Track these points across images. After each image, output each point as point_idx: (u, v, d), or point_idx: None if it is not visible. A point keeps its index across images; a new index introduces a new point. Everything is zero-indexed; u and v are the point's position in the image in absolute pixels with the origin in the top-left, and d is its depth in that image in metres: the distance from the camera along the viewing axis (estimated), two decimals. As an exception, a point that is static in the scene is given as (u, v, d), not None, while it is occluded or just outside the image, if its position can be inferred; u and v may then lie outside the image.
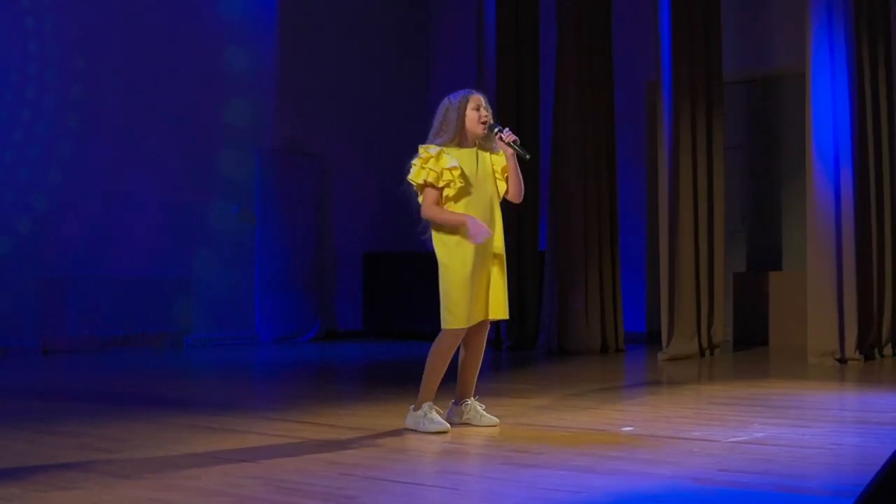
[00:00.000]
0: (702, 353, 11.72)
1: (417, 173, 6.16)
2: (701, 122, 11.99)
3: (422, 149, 6.22)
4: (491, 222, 6.26)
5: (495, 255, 6.32)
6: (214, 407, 7.56)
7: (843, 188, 10.74)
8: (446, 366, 6.26)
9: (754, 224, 14.39)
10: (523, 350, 12.83)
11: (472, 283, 6.13)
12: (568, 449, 5.52)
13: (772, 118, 14.30)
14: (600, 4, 12.83)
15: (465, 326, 6.16)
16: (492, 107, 12.36)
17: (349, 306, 15.62)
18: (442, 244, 6.18)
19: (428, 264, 14.47)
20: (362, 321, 15.60)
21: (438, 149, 6.17)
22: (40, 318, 12.50)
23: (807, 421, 6.62)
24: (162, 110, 13.62)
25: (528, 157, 6.33)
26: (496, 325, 12.83)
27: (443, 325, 6.17)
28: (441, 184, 6.13)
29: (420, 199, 6.24)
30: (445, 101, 6.34)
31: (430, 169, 6.13)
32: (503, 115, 12.86)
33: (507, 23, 13.25)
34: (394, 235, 14.81)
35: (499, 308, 6.32)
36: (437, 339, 6.23)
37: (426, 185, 6.15)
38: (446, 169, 6.12)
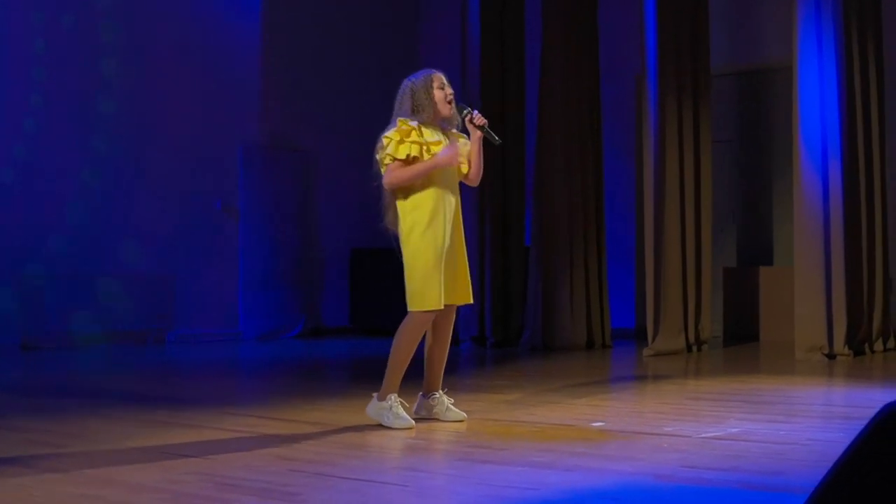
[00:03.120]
0: (689, 349, 11.55)
1: (398, 148, 5.94)
2: (687, 116, 11.82)
3: (400, 121, 6.01)
4: (456, 203, 6.09)
5: (459, 238, 6.14)
6: (178, 403, 7.38)
7: (831, 181, 10.56)
8: (413, 351, 6.08)
9: (744, 219, 14.20)
10: (507, 347, 12.62)
11: (440, 265, 5.94)
12: (531, 444, 5.34)
13: (762, 112, 14.11)
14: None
15: (439, 308, 5.96)
16: (477, 101, 12.39)
17: (335, 303, 15.44)
18: (412, 225, 5.98)
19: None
20: (348, 318, 15.42)
21: (417, 123, 5.99)
22: (20, 314, 12.33)
23: (785, 416, 6.44)
24: (144, 105, 13.45)
25: (498, 141, 6.16)
26: (481, 321, 12.68)
27: (412, 308, 5.97)
28: (426, 157, 5.95)
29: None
30: (407, 82, 6.16)
31: (414, 142, 5.93)
32: (488, 110, 12.69)
33: (491, 16, 13.07)
34: (381, 232, 14.58)
35: (464, 292, 6.15)
36: (404, 323, 6.03)
37: (409, 160, 5.94)
38: (431, 143, 5.96)
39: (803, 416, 6.56)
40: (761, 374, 9.47)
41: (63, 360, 11.18)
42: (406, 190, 6.01)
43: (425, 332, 6.12)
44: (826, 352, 10.43)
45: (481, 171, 6.28)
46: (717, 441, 5.41)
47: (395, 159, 5.95)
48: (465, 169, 6.25)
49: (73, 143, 12.86)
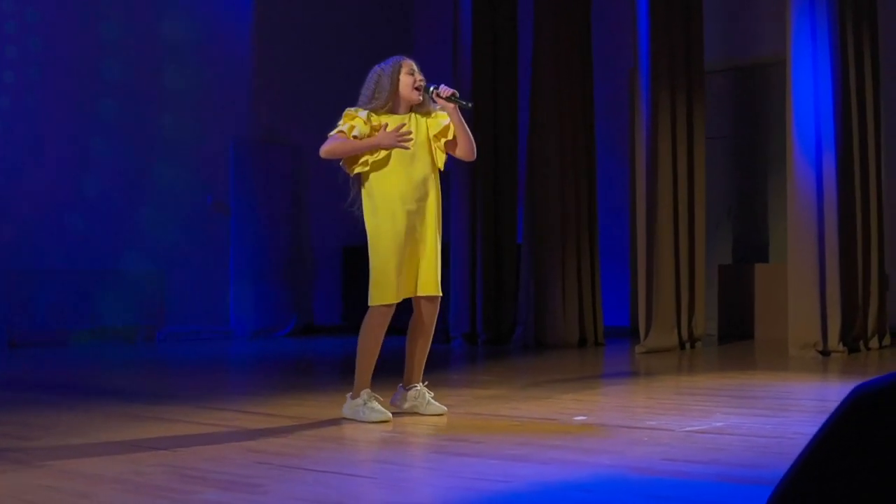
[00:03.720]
0: (682, 346, 11.45)
1: (340, 126, 5.84)
2: (681, 111, 11.72)
3: (349, 110, 5.91)
4: (426, 195, 5.95)
5: (428, 229, 5.98)
6: (158, 398, 7.28)
7: (825, 176, 10.43)
8: (378, 346, 5.95)
9: (740, 215, 14.10)
10: (499, 344, 12.51)
11: (400, 255, 5.83)
12: (509, 438, 5.23)
13: (757, 107, 14.01)
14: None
15: (394, 302, 5.85)
16: (468, 96, 12.28)
17: (327, 301, 15.34)
18: (372, 214, 5.88)
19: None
20: (341, 316, 15.32)
21: (366, 112, 5.88)
22: (8, 310, 12.24)
23: (772, 411, 6.32)
24: (134, 98, 13.37)
25: (469, 105, 6.02)
26: (472, 318, 12.57)
27: (370, 301, 5.87)
28: (361, 134, 5.84)
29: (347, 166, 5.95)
30: (377, 68, 6.05)
31: (356, 125, 5.82)
32: (481, 106, 12.60)
33: (484, 13, 12.96)
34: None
35: (429, 284, 5.99)
36: (364, 319, 5.93)
37: (345, 133, 5.83)
38: (374, 127, 5.83)
39: (791, 411, 6.44)
40: (753, 370, 9.35)
41: (50, 356, 11.09)
42: (366, 178, 5.90)
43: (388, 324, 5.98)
44: (820, 348, 10.30)
45: (472, 142, 6.11)
46: (700, 435, 5.30)
47: (337, 131, 5.84)
48: (440, 152, 6.09)
49: (62, 139, 12.78)
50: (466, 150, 6.09)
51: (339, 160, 5.93)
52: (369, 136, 5.84)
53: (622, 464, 4.47)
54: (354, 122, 5.85)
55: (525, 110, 12.68)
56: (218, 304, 14.19)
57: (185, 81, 13.86)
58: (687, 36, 11.83)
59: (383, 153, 5.86)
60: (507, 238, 12.91)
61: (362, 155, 5.86)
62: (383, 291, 5.82)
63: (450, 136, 6.07)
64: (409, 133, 5.86)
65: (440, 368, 9.56)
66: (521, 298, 12.42)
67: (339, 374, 9.81)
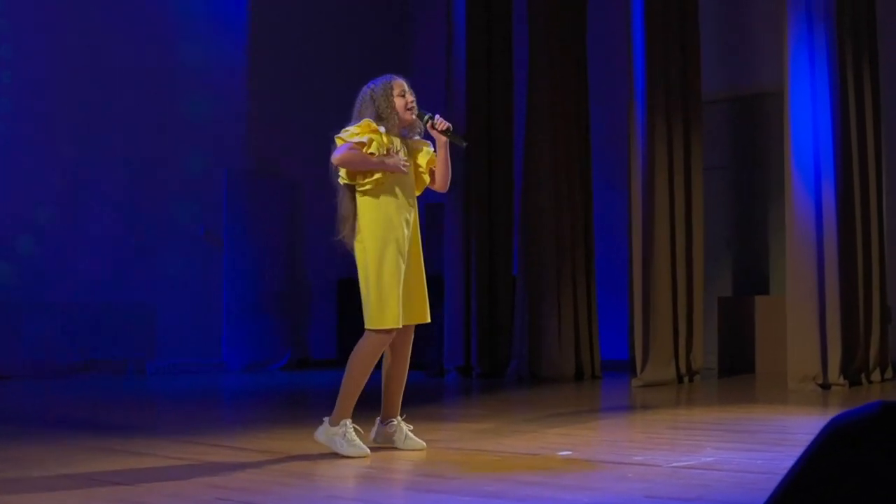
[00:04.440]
0: (680, 380, 11.23)
1: (355, 134, 5.64)
2: (678, 142, 11.53)
3: (366, 120, 5.70)
4: (413, 219, 5.78)
5: (416, 257, 5.80)
6: (135, 431, 7.08)
7: (825, 206, 10.24)
8: (368, 373, 5.75)
9: (740, 247, 13.89)
10: (494, 377, 12.29)
11: (398, 282, 5.63)
12: (488, 474, 5.01)
13: (756, 137, 13.82)
14: (574, 18, 12.38)
15: (397, 326, 5.65)
16: (462, 127, 12.13)
17: (323, 334, 15.13)
18: (371, 239, 5.65)
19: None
20: (336, 349, 15.10)
21: (384, 129, 5.69)
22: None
23: (765, 445, 6.11)
24: (125, 127, 13.24)
25: (464, 144, 5.85)
26: (467, 351, 12.38)
27: (369, 326, 5.67)
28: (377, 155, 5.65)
29: (342, 174, 5.74)
30: (366, 89, 5.86)
31: (375, 140, 5.62)
32: (475, 134, 12.45)
33: (478, 40, 12.81)
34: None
35: (421, 312, 5.81)
36: (360, 343, 5.71)
37: (363, 145, 5.63)
38: (390, 147, 5.66)
39: (786, 446, 6.21)
40: (751, 404, 9.15)
41: (37, 389, 10.91)
42: (363, 203, 5.69)
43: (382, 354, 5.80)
44: (820, 381, 10.08)
45: (449, 177, 5.96)
46: (688, 470, 5.08)
47: (351, 141, 5.63)
48: (426, 179, 5.93)
49: (51, 166, 12.63)
50: (443, 182, 5.95)
51: (337, 169, 5.75)
52: (387, 149, 5.67)
53: (602, 500, 4.27)
54: (374, 138, 5.65)
55: (520, 139, 12.51)
56: (210, 336, 13.99)
57: (179, 112, 13.73)
58: (684, 65, 11.66)
59: (388, 175, 5.68)
60: (501, 269, 12.72)
61: (374, 172, 5.67)
62: (386, 315, 5.62)
63: (434, 166, 5.91)
64: (408, 159, 5.69)
65: (431, 402, 9.37)
66: (515, 331, 12.22)
67: (327, 408, 9.62)
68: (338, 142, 5.69)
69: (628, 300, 13.69)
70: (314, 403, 10.19)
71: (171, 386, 11.53)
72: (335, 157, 5.67)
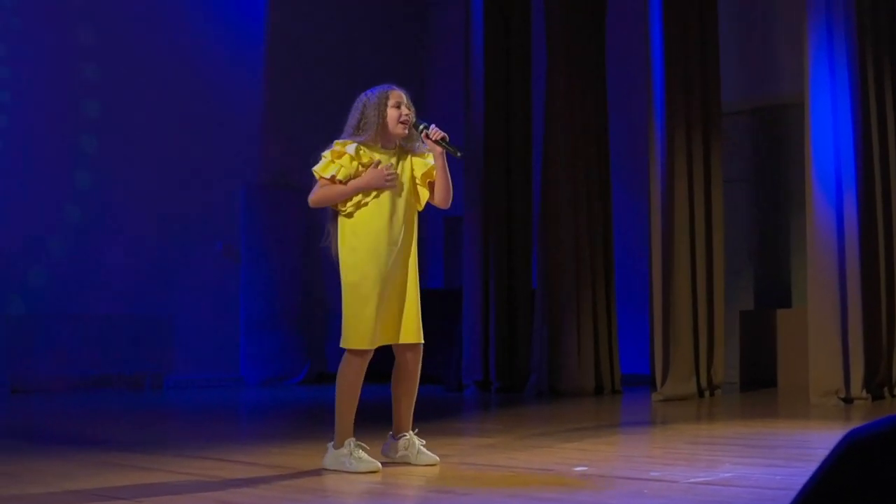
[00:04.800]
0: (700, 394, 11.09)
1: (326, 166, 5.55)
2: (697, 153, 11.41)
3: (337, 143, 5.61)
4: (404, 236, 5.63)
5: (409, 273, 5.66)
6: (142, 446, 6.99)
7: (846, 217, 10.09)
8: (356, 393, 5.64)
9: (762, 260, 13.74)
10: (513, 392, 12.16)
11: (379, 299, 5.50)
12: (500, 489, 4.90)
13: (778, 149, 13.68)
14: (592, 29, 12.27)
15: (369, 348, 5.52)
16: (481, 138, 12.04)
17: (341, 348, 14.98)
18: (351, 253, 5.56)
19: (429, 303, 13.91)
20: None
21: (356, 145, 5.57)
22: (9, 356, 12.01)
23: (785, 461, 5.99)
24: (143, 142, 13.19)
25: (459, 154, 5.71)
26: (485, 365, 12.26)
27: (343, 344, 5.56)
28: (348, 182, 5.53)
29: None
30: (362, 97, 5.74)
31: (343, 166, 5.51)
32: (493, 148, 12.37)
33: (496, 54, 12.73)
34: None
35: (410, 332, 5.66)
36: (340, 364, 5.61)
37: (333, 181, 5.53)
38: (363, 166, 5.53)
39: (805, 461, 6.08)
40: (771, 418, 9.01)
41: (51, 404, 10.84)
42: (345, 216, 5.58)
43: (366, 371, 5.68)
44: (842, 396, 9.93)
45: (450, 192, 5.78)
46: (705, 486, 4.96)
47: (321, 177, 5.55)
48: (425, 192, 5.79)
49: (67, 182, 12.59)
50: (443, 197, 5.75)
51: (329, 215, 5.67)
52: (356, 174, 5.54)
53: (614, 517, 4.14)
54: (341, 162, 5.55)
55: (539, 151, 12.38)
56: (228, 351, 13.92)
57: (196, 127, 13.68)
58: (703, 76, 11.54)
59: (372, 192, 5.56)
60: (520, 283, 12.60)
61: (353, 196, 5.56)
62: (358, 336, 5.53)
63: (433, 178, 5.77)
64: (394, 173, 5.56)
65: (447, 416, 9.26)
66: (535, 345, 12.09)
67: (332, 423, 9.52)
68: (320, 175, 5.60)
69: (649, 314, 13.58)
70: (331, 418, 10.06)
71: (187, 401, 11.45)
72: (310, 199, 5.63)
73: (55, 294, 12.43)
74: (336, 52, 15.21)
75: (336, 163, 5.55)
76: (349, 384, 5.61)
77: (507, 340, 12.43)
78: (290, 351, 14.37)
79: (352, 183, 5.51)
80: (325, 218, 5.72)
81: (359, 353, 5.56)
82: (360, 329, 5.50)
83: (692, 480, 5.13)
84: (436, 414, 9.15)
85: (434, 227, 15.74)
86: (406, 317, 5.65)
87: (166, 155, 13.38)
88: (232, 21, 14.40)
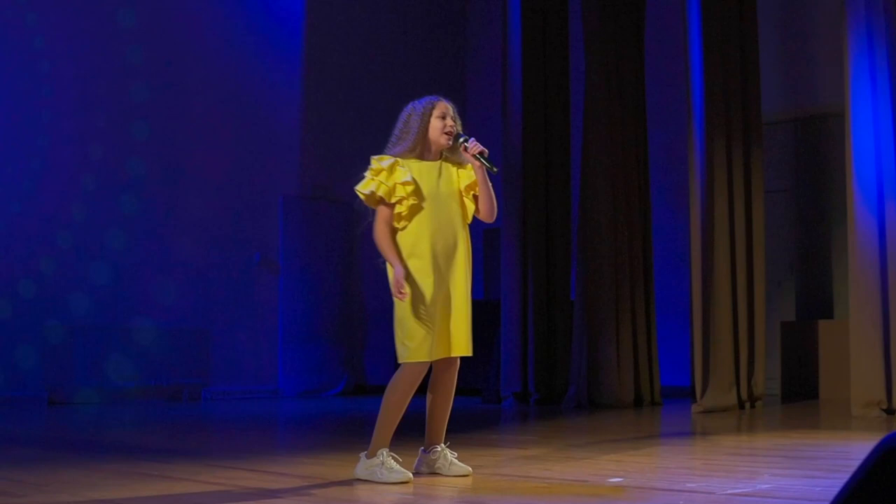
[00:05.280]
0: (741, 406, 10.97)
1: (366, 184, 5.50)
2: (737, 164, 11.30)
3: (374, 160, 5.58)
4: (454, 246, 5.56)
5: (459, 285, 5.58)
6: (174, 456, 6.92)
7: (888, 228, 9.96)
8: (405, 405, 5.57)
9: (803, 271, 13.60)
10: (551, 403, 12.05)
11: (431, 311, 5.43)
12: (531, 500, 4.80)
13: (820, 159, 13.54)
14: (630, 39, 12.17)
15: (427, 360, 5.45)
16: (519, 149, 11.96)
17: (379, 360, 14.95)
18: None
19: (477, 314, 13.86)
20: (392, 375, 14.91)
21: (392, 160, 5.51)
22: (47, 368, 12.01)
23: (825, 472, 5.86)
24: (181, 154, 13.19)
25: (495, 170, 5.63)
26: (524, 377, 12.17)
27: (400, 359, 5.48)
28: (393, 199, 5.46)
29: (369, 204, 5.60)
30: (409, 107, 5.69)
31: (382, 182, 5.46)
32: (532, 161, 12.29)
33: (534, 65, 12.66)
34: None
35: (461, 344, 5.58)
36: (394, 376, 5.53)
37: (376, 199, 5.48)
38: (399, 184, 5.45)
39: (845, 472, 5.93)
40: (812, 430, 8.86)
41: (86, 415, 10.79)
42: (395, 231, 5.54)
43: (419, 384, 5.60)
44: (885, 407, 9.80)
45: (494, 205, 5.71)
46: (743, 497, 4.85)
47: (361, 193, 5.50)
48: (471, 205, 5.72)
49: (109, 194, 12.59)
50: (486, 210, 5.69)
51: (368, 207, 5.60)
52: (392, 189, 5.48)
53: (646, 529, 4.04)
54: (379, 179, 5.50)
55: (577, 163, 12.29)
56: (266, 362, 13.88)
57: (234, 139, 13.66)
58: (743, 86, 11.43)
59: (408, 206, 5.49)
60: (559, 294, 12.50)
61: (401, 206, 5.50)
62: (416, 349, 5.44)
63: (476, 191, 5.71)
64: (405, 293, 5.45)
65: (485, 428, 9.16)
66: (573, 357, 11.98)
67: (366, 434, 9.44)
68: (361, 192, 5.56)
69: (690, 325, 13.45)
70: (367, 430, 9.99)
71: (224, 412, 11.39)
72: (375, 236, 5.57)
73: (94, 306, 12.41)
74: (374, 62, 15.17)
75: (375, 180, 5.51)
76: (399, 397, 5.54)
77: (546, 352, 12.34)
78: (327, 363, 14.32)
79: (393, 260, 5.48)
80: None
81: (416, 366, 5.48)
82: (415, 342, 5.44)
83: (730, 492, 5.02)
84: (473, 425, 9.06)
85: (474, 239, 15.63)
86: (458, 329, 5.57)
87: (205, 167, 13.37)
88: (270, 34, 14.39)
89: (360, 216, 5.77)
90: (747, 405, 11.06)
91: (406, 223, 5.50)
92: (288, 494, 5.00)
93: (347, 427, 10.25)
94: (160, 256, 12.97)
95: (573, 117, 12.74)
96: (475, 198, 5.70)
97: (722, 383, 10.86)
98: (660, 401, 11.93)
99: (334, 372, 14.35)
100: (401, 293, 5.42)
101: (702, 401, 10.69)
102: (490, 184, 5.68)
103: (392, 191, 5.46)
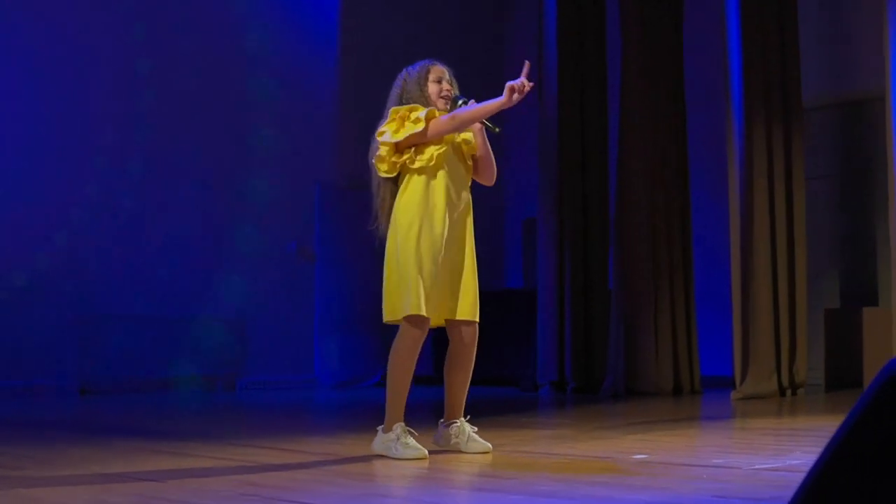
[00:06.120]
0: (782, 393, 10.74)
1: (399, 131, 5.33)
2: (777, 149, 11.06)
3: (391, 110, 5.41)
4: (462, 206, 5.42)
5: (465, 246, 5.42)
6: (191, 436, 6.82)
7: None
8: (411, 370, 5.38)
9: (847, 258, 13.32)
10: (589, 392, 11.86)
11: (435, 264, 5.26)
12: (547, 475, 4.65)
13: (863, 144, 13.26)
14: (668, 21, 11.97)
15: (423, 314, 5.23)
16: (555, 135, 11.79)
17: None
18: (404, 212, 5.33)
19: (507, 303, 13.52)
20: (432, 366, 14.75)
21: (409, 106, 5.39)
22: (79, 356, 11.93)
23: (859, 451, 5.62)
24: (215, 141, 13.08)
25: (497, 130, 5.47)
26: (560, 366, 11.99)
27: (386, 319, 5.34)
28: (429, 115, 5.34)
29: (384, 168, 5.43)
30: (403, 72, 5.61)
31: (412, 122, 5.30)
32: (566, 146, 12.12)
33: (570, 53, 12.46)
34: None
35: (466, 308, 5.40)
36: (395, 338, 5.34)
37: (413, 139, 5.31)
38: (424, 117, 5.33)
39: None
40: (852, 415, 8.62)
41: (117, 403, 10.69)
42: (407, 180, 5.36)
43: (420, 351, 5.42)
44: (929, 394, 9.53)
45: (493, 168, 5.59)
46: (769, 472, 4.67)
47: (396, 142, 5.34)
48: (470, 169, 5.57)
49: (140, 182, 12.51)
50: (486, 173, 5.58)
51: (373, 160, 5.46)
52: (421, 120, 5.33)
53: (661, 500, 3.87)
54: (404, 125, 5.35)
55: (614, 149, 12.09)
56: (302, 352, 13.76)
57: (270, 126, 13.55)
58: (782, 70, 11.19)
59: (431, 152, 5.33)
60: (596, 282, 12.30)
61: (408, 152, 5.34)
62: (411, 301, 5.22)
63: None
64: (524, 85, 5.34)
65: (516, 413, 8.98)
66: (611, 345, 11.78)
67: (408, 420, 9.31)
68: (381, 148, 5.38)
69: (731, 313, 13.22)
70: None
71: (255, 400, 11.28)
72: (441, 127, 5.36)
73: (126, 294, 12.34)
74: (410, 49, 14.99)
75: (409, 122, 5.35)
76: (402, 359, 5.34)
77: (583, 340, 12.15)
78: (365, 353, 14.17)
79: (480, 108, 5.35)
80: (373, 202, 5.52)
81: (414, 321, 5.26)
82: (406, 296, 5.23)
83: (756, 467, 4.84)
84: (505, 411, 8.92)
85: (513, 228, 15.55)
86: (463, 292, 5.40)
87: (240, 155, 13.26)
88: (307, 21, 14.29)
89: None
90: (788, 392, 10.84)
91: (417, 175, 5.34)
92: (298, 469, 4.88)
93: (377, 414, 10.09)
94: (195, 245, 12.87)
95: (610, 102, 12.54)
96: (474, 161, 5.56)
97: (762, 370, 10.65)
98: (699, 389, 11.71)
99: (371, 362, 14.20)
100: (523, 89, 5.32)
101: (741, 387, 10.48)
102: (489, 146, 5.55)
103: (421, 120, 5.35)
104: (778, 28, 11.14)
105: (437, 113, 5.38)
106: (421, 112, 5.36)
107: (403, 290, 5.22)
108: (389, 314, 5.28)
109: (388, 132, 5.38)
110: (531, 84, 5.42)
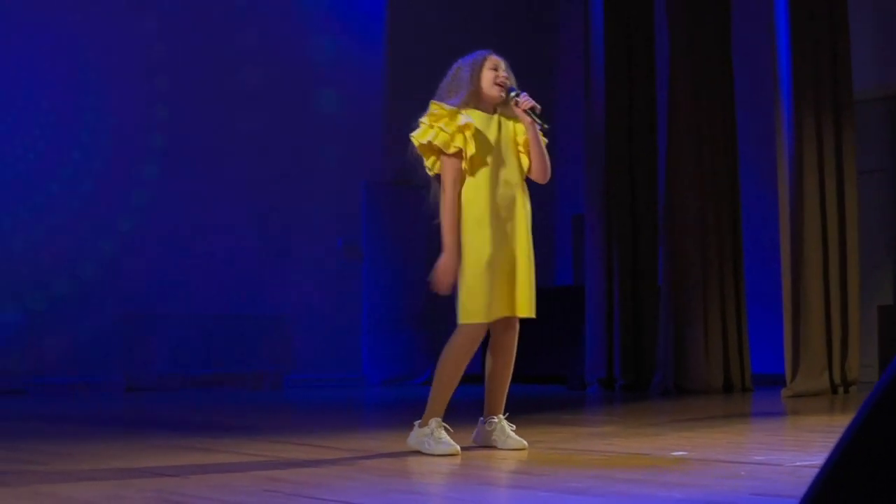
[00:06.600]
0: (834, 391, 10.56)
1: (424, 132, 5.24)
2: (828, 143, 10.86)
3: (434, 104, 5.29)
4: (514, 202, 5.28)
5: (520, 242, 5.29)
6: (225, 431, 6.74)
7: None
8: (461, 371, 5.30)
9: (901, 254, 13.10)
10: (638, 390, 11.71)
11: (490, 270, 5.16)
12: (583, 471, 4.51)
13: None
14: (716, 14, 11.80)
15: (485, 321, 5.19)
16: (602, 131, 11.65)
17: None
18: (464, 222, 5.23)
19: (557, 300, 13.38)
20: (481, 365, 14.64)
21: (454, 108, 5.24)
22: (125, 354, 11.96)
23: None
24: (263, 139, 13.07)
25: (546, 126, 5.34)
26: (609, 363, 11.86)
27: (458, 319, 5.24)
28: (451, 150, 5.17)
29: (427, 165, 5.32)
30: (457, 63, 5.47)
31: (441, 129, 5.18)
32: (614, 142, 11.99)
33: (617, 47, 12.36)
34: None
35: (524, 305, 5.29)
36: (450, 339, 5.27)
37: (433, 149, 5.20)
38: (458, 127, 5.18)
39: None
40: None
41: (161, 401, 10.65)
42: (463, 187, 5.25)
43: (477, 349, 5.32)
44: (984, 391, 9.32)
45: (547, 164, 5.42)
46: (810, 470, 4.50)
47: (419, 143, 5.23)
48: (525, 163, 5.43)
49: (188, 182, 12.54)
50: (539, 170, 5.42)
51: (423, 160, 5.36)
52: (451, 137, 5.19)
53: (699, 498, 3.72)
54: (439, 126, 5.23)
55: (663, 144, 11.93)
56: (350, 350, 13.70)
57: (316, 123, 13.51)
58: (832, 62, 10.99)
59: (473, 153, 5.21)
60: (646, 279, 12.16)
61: (463, 157, 5.23)
62: (473, 309, 5.18)
63: None
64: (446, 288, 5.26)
65: (560, 410, 8.86)
66: (660, 342, 11.63)
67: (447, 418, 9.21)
68: (412, 140, 5.34)
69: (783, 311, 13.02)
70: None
71: (301, 398, 11.21)
72: (444, 198, 5.26)
73: (174, 292, 12.34)
74: (458, 45, 14.91)
75: (436, 127, 5.24)
76: (455, 357, 5.28)
77: (632, 338, 12.01)
78: (413, 350, 14.10)
79: (452, 243, 5.21)
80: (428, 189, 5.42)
81: (473, 327, 5.23)
82: (473, 302, 5.19)
83: (798, 464, 4.69)
84: (549, 409, 8.80)
85: (562, 225, 15.42)
86: (520, 288, 5.29)
87: (288, 152, 13.25)
88: (354, 18, 14.24)
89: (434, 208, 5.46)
90: (840, 390, 10.65)
91: (472, 174, 5.23)
92: (325, 465, 4.78)
93: (421, 412, 9.98)
94: (241, 243, 12.85)
95: (658, 97, 12.38)
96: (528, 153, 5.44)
97: (813, 367, 10.47)
98: (751, 387, 11.54)
99: (420, 360, 14.11)
100: (443, 289, 5.17)
101: (792, 384, 10.32)
102: (543, 143, 5.41)
103: (451, 139, 5.19)
104: (827, 19, 10.95)
105: (468, 131, 5.23)
106: (458, 121, 5.22)
107: (469, 297, 5.19)
108: (462, 317, 5.26)
109: (421, 127, 5.29)
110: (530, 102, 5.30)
